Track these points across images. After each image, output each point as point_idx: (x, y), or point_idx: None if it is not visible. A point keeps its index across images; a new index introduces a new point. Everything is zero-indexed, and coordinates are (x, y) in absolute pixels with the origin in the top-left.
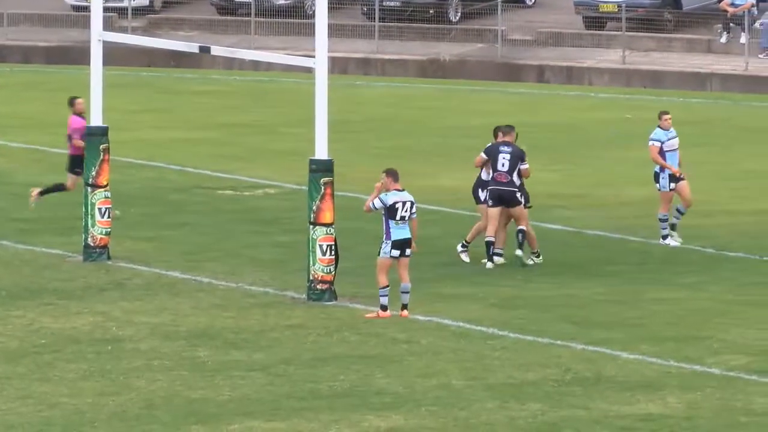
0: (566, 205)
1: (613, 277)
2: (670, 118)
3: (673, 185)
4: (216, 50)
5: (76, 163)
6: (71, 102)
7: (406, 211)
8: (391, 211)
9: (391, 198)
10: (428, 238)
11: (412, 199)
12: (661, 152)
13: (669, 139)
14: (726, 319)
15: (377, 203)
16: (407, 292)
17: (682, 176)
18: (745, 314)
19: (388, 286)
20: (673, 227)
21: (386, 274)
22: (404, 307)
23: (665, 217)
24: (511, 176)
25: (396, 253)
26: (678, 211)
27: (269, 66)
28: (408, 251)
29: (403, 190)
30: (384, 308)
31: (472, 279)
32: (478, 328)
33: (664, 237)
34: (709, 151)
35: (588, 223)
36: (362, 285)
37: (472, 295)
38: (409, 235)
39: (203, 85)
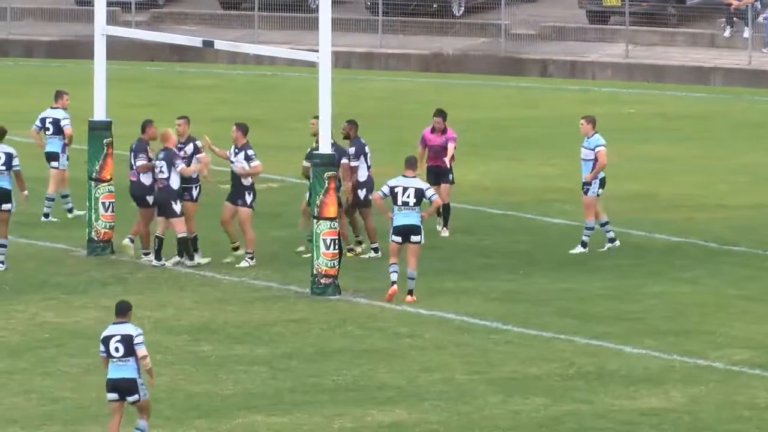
0: (566, 199)
1: (613, 271)
2: (581, 124)
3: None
4: (219, 44)
5: None
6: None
7: (408, 197)
8: (392, 196)
9: (392, 182)
10: (428, 232)
11: (421, 187)
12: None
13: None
14: (728, 314)
15: (385, 189)
16: (412, 278)
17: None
18: (748, 308)
19: (396, 263)
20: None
21: (395, 256)
22: (410, 292)
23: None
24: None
25: (397, 239)
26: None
27: (273, 60)
28: (413, 238)
29: (414, 176)
30: (392, 283)
31: (473, 274)
32: (481, 322)
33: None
34: (710, 145)
35: None
36: (365, 279)
37: (473, 290)
38: (411, 222)
39: (206, 79)
